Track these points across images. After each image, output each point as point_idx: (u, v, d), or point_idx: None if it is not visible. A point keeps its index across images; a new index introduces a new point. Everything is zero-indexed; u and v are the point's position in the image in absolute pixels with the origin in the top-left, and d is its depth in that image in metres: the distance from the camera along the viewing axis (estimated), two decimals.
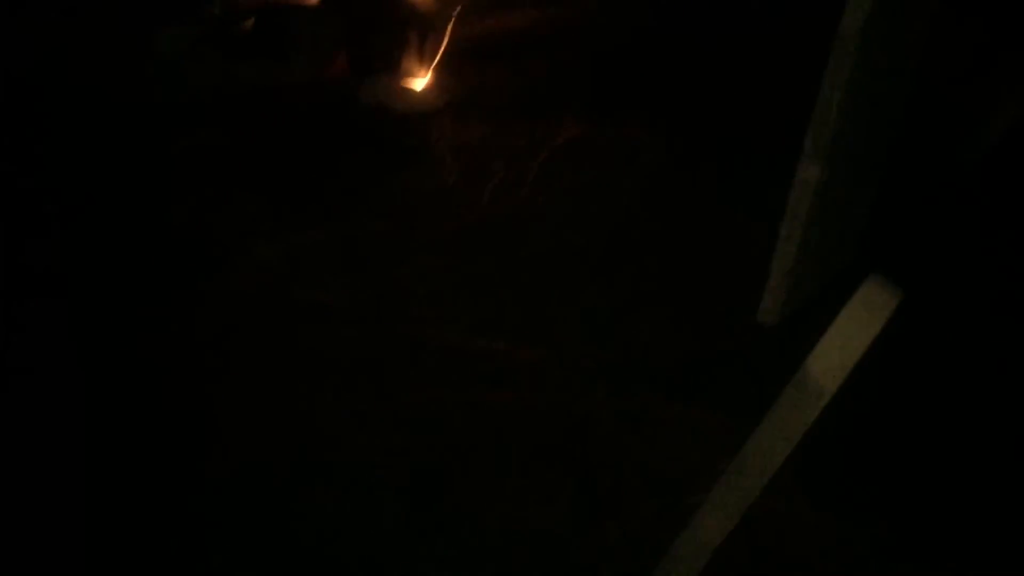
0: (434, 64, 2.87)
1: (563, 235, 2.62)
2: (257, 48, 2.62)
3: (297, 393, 2.08)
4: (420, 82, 2.81)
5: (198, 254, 2.46)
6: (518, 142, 2.99)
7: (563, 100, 3.17)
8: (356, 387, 2.10)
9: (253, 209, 2.58)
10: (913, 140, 2.60)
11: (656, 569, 1.55)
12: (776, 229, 2.20)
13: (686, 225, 2.68)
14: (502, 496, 1.88)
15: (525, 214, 2.71)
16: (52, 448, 1.82)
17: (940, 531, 1.87)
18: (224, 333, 2.23)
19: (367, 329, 2.28)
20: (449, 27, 2.90)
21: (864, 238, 2.43)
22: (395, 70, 2.68)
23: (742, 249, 2.51)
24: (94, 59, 2.60)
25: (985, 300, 2.38)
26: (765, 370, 2.06)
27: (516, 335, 2.25)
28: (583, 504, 1.87)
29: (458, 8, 2.89)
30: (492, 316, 2.31)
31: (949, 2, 2.27)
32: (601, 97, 3.21)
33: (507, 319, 2.31)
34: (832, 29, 2.00)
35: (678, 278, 2.49)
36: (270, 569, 1.74)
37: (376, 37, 2.62)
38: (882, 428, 2.06)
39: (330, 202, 2.62)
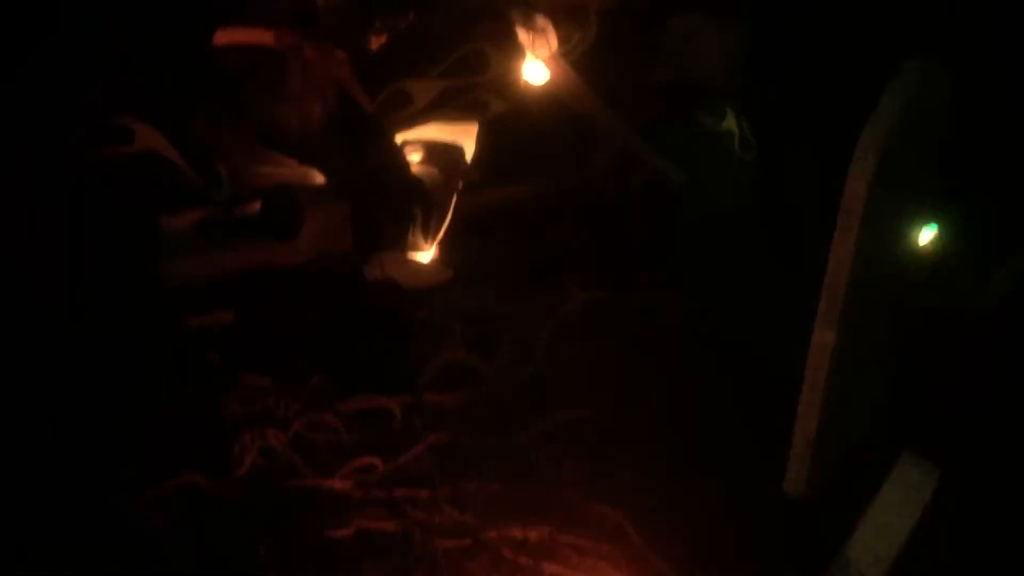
0: (439, 237, 2.88)
1: (575, 409, 2.57)
2: (264, 228, 2.64)
3: None
4: (425, 255, 2.82)
5: (205, 437, 2.40)
6: (525, 312, 2.98)
7: (570, 268, 3.18)
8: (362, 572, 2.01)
9: (259, 390, 2.55)
10: (930, 298, 2.58)
11: None
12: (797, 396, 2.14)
13: (702, 394, 2.63)
14: None
15: (534, 387, 2.67)
16: None
17: None
18: (230, 518, 2.15)
19: (376, 514, 2.21)
20: (453, 200, 2.93)
21: (888, 407, 2.36)
22: (400, 245, 2.69)
23: (764, 418, 2.45)
24: (102, 244, 2.62)
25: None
26: (800, 545, 1.97)
27: (529, 518, 2.17)
28: None
29: (461, 182, 2.93)
30: (503, 499, 2.24)
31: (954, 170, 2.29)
32: (609, 264, 3.22)
33: (520, 502, 2.23)
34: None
35: (701, 450, 2.43)
36: None
37: (381, 214, 2.64)
38: None
39: (337, 381, 2.58)
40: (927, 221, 2.38)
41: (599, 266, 3.16)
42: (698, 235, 3.33)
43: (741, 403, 2.59)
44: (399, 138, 2.81)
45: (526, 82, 2.96)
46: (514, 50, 2.85)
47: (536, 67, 2.96)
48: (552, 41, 2.93)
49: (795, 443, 2.16)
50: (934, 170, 2.26)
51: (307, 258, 2.69)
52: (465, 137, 2.98)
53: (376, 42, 3.07)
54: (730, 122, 3.31)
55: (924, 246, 2.33)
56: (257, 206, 2.65)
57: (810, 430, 2.13)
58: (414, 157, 2.85)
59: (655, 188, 3.23)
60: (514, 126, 3.14)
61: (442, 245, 2.92)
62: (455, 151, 2.91)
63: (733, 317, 2.93)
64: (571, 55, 3.13)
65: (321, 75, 2.58)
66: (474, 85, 2.82)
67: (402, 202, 2.65)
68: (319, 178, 2.72)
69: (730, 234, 3.30)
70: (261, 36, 2.60)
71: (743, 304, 2.96)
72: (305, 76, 2.58)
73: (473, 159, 3.00)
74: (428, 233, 2.80)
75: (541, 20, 2.90)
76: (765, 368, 2.61)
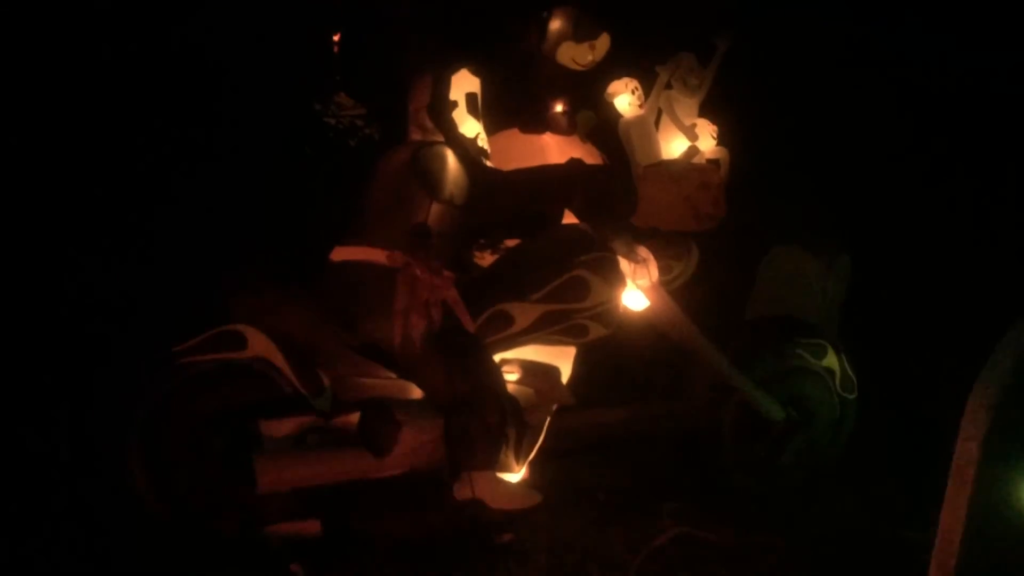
0: (529, 459, 2.86)
1: None
2: (360, 440, 2.67)
3: None
4: (515, 477, 2.79)
5: None
6: (614, 543, 2.90)
7: (661, 498, 3.11)
8: None
9: None
10: None
11: None
12: None
13: None
14: None
15: None
16: None
17: None
18: None
19: None
20: (546, 423, 2.93)
21: None
22: (491, 464, 2.67)
23: None
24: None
25: None
26: None
27: None
28: None
29: (555, 405, 2.94)
30: None
31: None
32: (703, 495, 3.14)
33: None
34: None
35: None
36: None
37: (475, 432, 2.65)
38: None
39: None
40: None
41: (692, 499, 3.08)
42: (796, 475, 3.25)
43: None
44: (497, 358, 2.85)
45: (626, 309, 3.01)
46: (615, 279, 2.91)
47: (636, 295, 3.01)
48: (653, 271, 3.00)
49: None
50: None
51: (399, 472, 2.69)
52: (563, 360, 3.01)
53: (482, 264, 3.20)
54: (831, 360, 3.27)
55: None
56: (355, 417, 2.69)
57: None
58: (511, 377, 2.87)
59: (751, 424, 3.18)
60: (612, 352, 3.17)
61: (532, 467, 2.89)
62: (552, 373, 2.93)
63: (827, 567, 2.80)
64: (671, 285, 3.19)
65: (427, 293, 2.67)
66: (574, 311, 2.87)
67: (496, 422, 2.65)
68: (417, 393, 2.77)
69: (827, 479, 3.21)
70: (374, 255, 2.72)
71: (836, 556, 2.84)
72: (412, 293, 2.67)
73: (569, 382, 3.02)
74: (520, 454, 2.79)
75: (643, 251, 2.97)
76: None
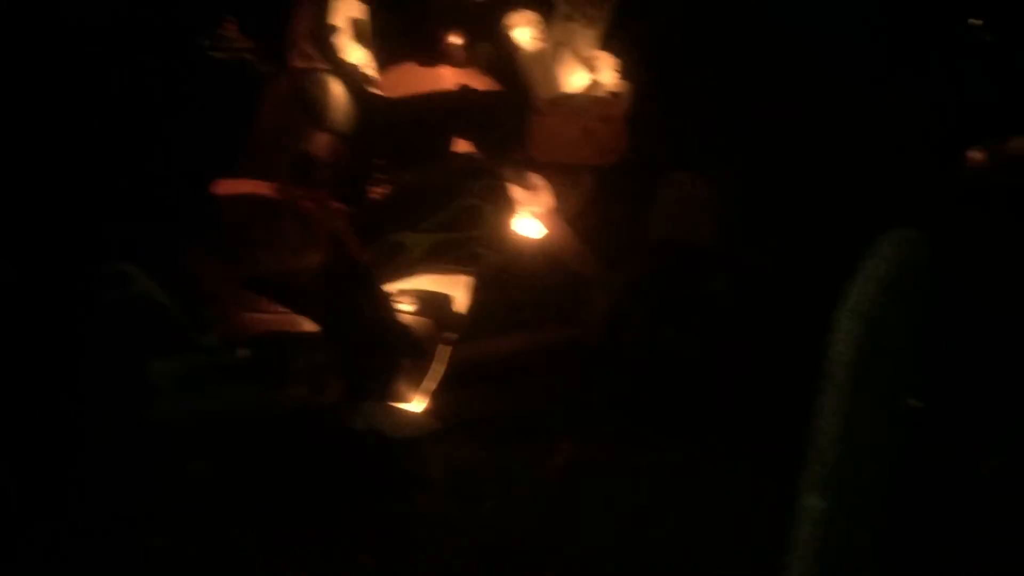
0: (429, 388, 2.87)
1: (562, 564, 2.49)
2: (252, 376, 2.63)
3: None
4: (414, 406, 2.79)
5: None
6: (514, 465, 2.93)
7: (561, 421, 3.15)
8: None
9: (237, 543, 2.47)
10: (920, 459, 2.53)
11: None
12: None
13: (688, 551, 2.55)
14: None
15: (519, 542, 2.60)
16: None
17: None
18: None
19: None
20: (444, 351, 2.93)
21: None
22: (387, 395, 2.67)
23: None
24: (87, 387, 2.60)
25: None
26: None
27: None
28: None
29: (454, 333, 2.94)
30: None
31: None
32: (601, 418, 3.19)
33: None
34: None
35: None
36: None
37: (369, 363, 2.64)
38: None
39: (318, 534, 2.52)
40: (914, 385, 2.36)
41: (590, 420, 3.14)
42: (694, 392, 3.32)
43: (732, 560, 2.51)
44: (391, 288, 2.83)
45: (522, 237, 3.01)
46: (508, 207, 2.91)
47: (531, 223, 3.01)
48: (546, 198, 3.00)
49: None
50: (918, 336, 2.25)
51: (294, 406, 2.67)
52: (459, 289, 3.00)
53: (372, 195, 3.16)
54: (725, 281, 3.34)
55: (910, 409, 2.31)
56: (246, 353, 2.65)
57: None
58: (406, 307, 2.86)
59: (647, 345, 3.24)
60: (508, 279, 3.18)
61: (433, 396, 2.90)
62: (448, 302, 2.93)
63: (727, 473, 2.89)
64: (566, 212, 3.20)
65: (315, 225, 2.63)
66: (467, 239, 2.86)
67: (391, 352, 2.65)
68: (309, 326, 2.74)
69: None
70: (261, 187, 2.66)
71: (737, 461, 2.92)
72: (300, 226, 2.63)
73: (467, 311, 3.02)
74: (418, 384, 2.79)
75: (535, 178, 2.97)
76: (756, 532, 2.54)
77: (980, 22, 3.98)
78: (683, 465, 2.96)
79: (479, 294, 3.04)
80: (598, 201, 3.37)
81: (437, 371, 2.91)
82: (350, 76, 2.82)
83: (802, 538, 2.06)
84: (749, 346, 3.29)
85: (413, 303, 2.89)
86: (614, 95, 3.97)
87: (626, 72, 3.99)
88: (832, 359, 1.99)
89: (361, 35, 2.87)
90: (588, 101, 3.80)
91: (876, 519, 2.32)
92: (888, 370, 2.15)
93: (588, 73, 3.92)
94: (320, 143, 2.70)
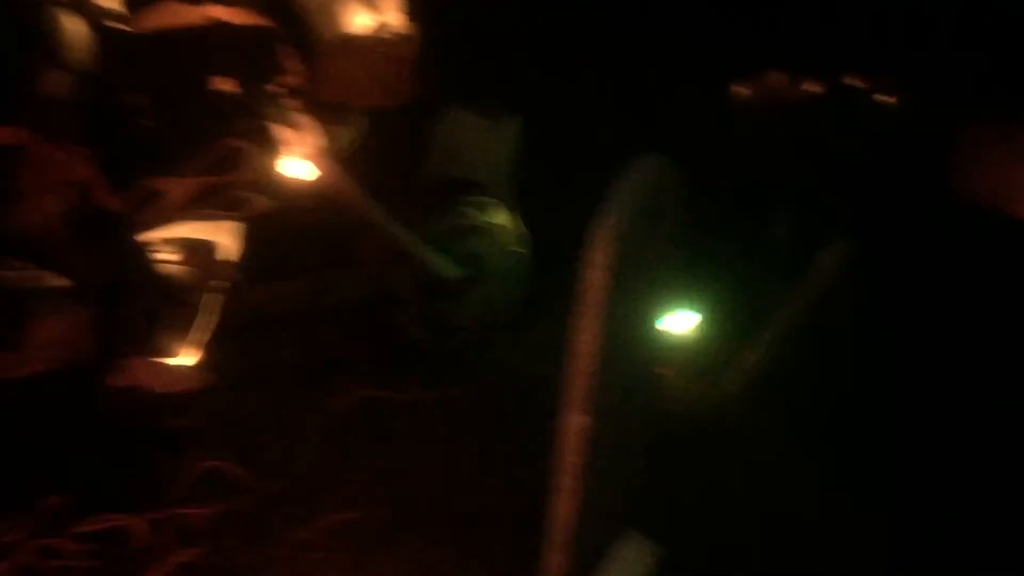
0: (199, 341, 2.74)
1: (342, 509, 2.47)
2: None
3: None
4: (182, 359, 2.67)
5: None
6: (296, 413, 2.87)
7: (344, 367, 3.11)
8: None
9: None
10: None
11: None
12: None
13: (470, 487, 2.59)
14: None
15: (301, 490, 2.56)
16: None
17: None
18: None
19: None
20: (213, 301, 2.81)
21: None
22: (149, 349, 2.54)
23: (530, 508, 2.42)
24: None
25: None
26: None
27: None
28: None
29: (222, 281, 2.82)
30: None
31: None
32: (384, 362, 3.17)
33: None
34: None
35: (468, 543, 2.38)
36: None
37: (127, 317, 2.49)
38: None
39: (78, 499, 2.38)
40: (674, 306, 2.46)
41: (373, 365, 3.11)
42: (475, 330, 3.35)
43: (513, 496, 2.57)
44: (150, 237, 2.67)
45: (291, 179, 2.91)
46: (272, 147, 2.80)
47: (300, 164, 2.92)
48: (314, 138, 2.90)
49: (552, 531, 2.13)
50: (673, 256, 2.34)
51: (44, 368, 2.49)
52: (227, 235, 2.87)
53: (124, 137, 2.96)
54: (501, 217, 3.36)
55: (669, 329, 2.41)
56: None
57: (565, 518, 2.12)
58: (167, 256, 2.71)
59: (427, 284, 3.22)
60: (280, 224, 3.07)
61: (203, 346, 2.78)
62: (213, 249, 2.80)
63: (507, 409, 2.94)
64: (339, 153, 3.12)
65: (58, 172, 2.44)
66: (231, 182, 2.73)
67: (148, 304, 2.51)
68: (56, 281, 2.55)
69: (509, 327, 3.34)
70: None
71: (518, 396, 2.98)
72: (41, 173, 2.43)
73: (237, 258, 2.90)
74: (183, 336, 2.66)
75: (301, 118, 2.87)
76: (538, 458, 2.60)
77: None
78: (467, 403, 2.99)
79: (248, 240, 2.93)
80: (376, 141, 3.30)
81: (207, 322, 2.79)
82: (88, 9, 2.61)
83: (567, 457, 2.12)
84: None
85: (175, 252, 2.74)
86: (401, 36, 3.89)
87: (412, 11, 3.92)
88: (585, 280, 2.04)
89: None
90: (374, 42, 3.74)
91: (636, 438, 2.42)
92: (639, 291, 2.23)
93: (372, 13, 3.82)
94: (57, 82, 2.49)
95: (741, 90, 3.77)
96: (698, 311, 2.91)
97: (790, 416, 2.88)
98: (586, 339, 2.06)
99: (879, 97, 3.58)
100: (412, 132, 3.56)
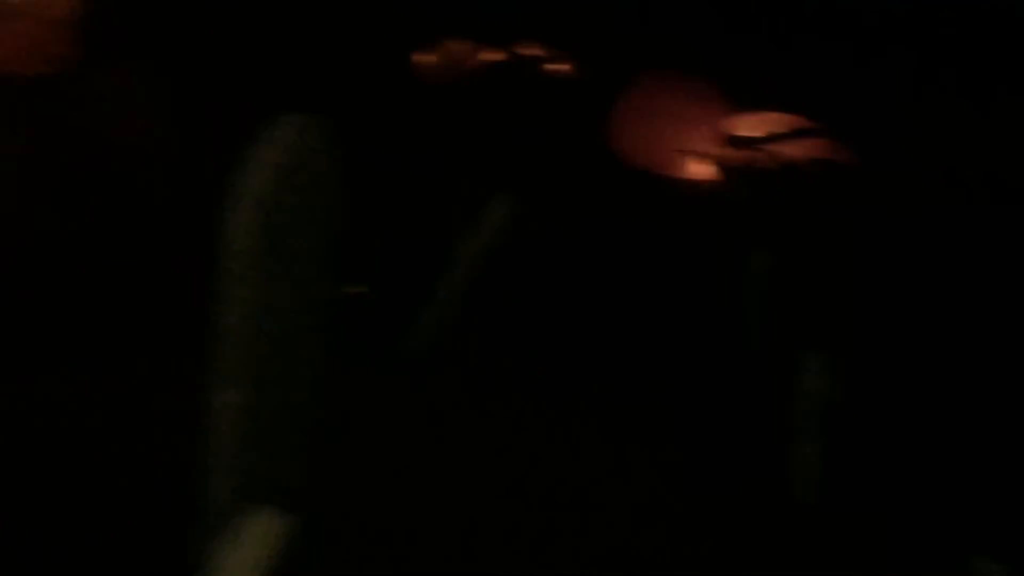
0: None
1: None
2: None
3: None
4: None
5: None
6: None
7: None
8: None
9: None
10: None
11: None
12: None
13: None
14: None
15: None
16: None
17: None
18: None
19: None
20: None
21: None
22: None
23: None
24: None
25: None
26: None
27: None
28: None
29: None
30: None
31: None
32: None
33: None
34: None
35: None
36: None
37: None
38: None
39: None
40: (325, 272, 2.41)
41: None
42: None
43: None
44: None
45: None
46: None
47: None
48: None
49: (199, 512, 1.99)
50: (323, 221, 2.27)
51: None
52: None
53: None
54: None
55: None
56: None
57: (222, 492, 1.99)
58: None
59: None
60: None
61: None
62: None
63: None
64: None
65: None
66: None
67: None
68: None
69: None
70: None
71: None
72: None
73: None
74: None
75: None
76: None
77: None
78: None
79: None
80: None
81: None
82: None
83: (220, 434, 1.99)
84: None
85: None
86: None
87: None
88: (229, 249, 1.93)
89: None
90: (24, 3, 3.48)
91: (302, 408, 2.33)
92: (294, 257, 2.14)
93: None
94: None
95: (423, 57, 3.80)
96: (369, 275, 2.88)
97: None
98: (235, 311, 1.95)
99: (553, 66, 3.75)
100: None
